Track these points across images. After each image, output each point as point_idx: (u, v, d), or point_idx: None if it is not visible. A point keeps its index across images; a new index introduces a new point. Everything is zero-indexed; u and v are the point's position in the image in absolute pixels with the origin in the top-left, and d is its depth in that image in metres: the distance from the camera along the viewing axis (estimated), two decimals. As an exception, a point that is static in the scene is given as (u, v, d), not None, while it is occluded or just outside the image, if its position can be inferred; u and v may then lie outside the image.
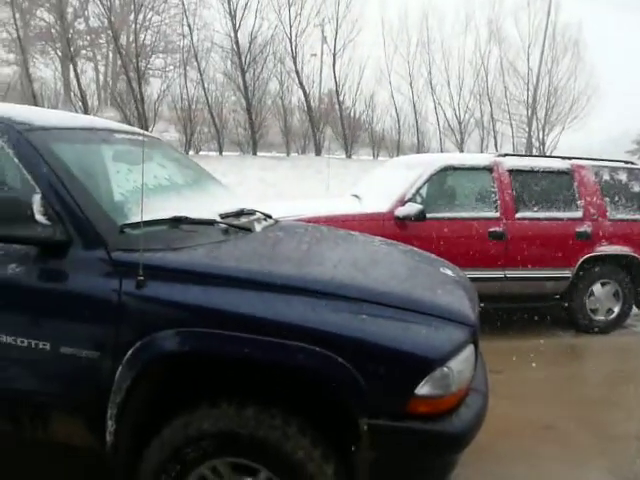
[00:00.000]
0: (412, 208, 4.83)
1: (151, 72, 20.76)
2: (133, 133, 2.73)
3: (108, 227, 1.93)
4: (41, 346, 1.83)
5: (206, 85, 18.87)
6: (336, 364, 1.67)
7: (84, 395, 1.84)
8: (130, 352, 1.76)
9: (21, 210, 1.83)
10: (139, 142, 2.67)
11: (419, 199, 5.07)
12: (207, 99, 18.69)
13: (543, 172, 5.32)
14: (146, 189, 2.21)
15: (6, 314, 1.89)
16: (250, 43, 19.38)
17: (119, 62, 20.51)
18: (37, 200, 1.88)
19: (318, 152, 20.47)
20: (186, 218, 2.14)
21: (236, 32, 19.09)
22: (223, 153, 18.52)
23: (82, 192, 1.97)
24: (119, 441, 1.82)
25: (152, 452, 1.82)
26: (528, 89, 23.37)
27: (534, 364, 4.27)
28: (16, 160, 1.98)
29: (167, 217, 2.09)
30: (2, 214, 1.78)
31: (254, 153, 18.83)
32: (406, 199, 4.94)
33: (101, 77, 23.89)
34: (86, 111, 16.85)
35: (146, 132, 3.08)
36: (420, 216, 4.79)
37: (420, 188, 5.08)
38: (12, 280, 1.88)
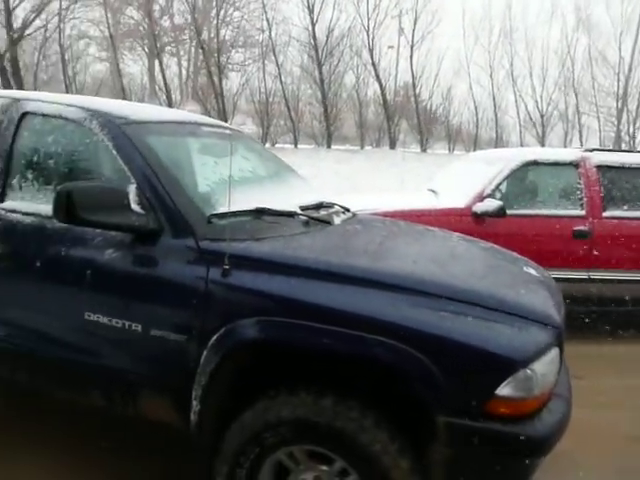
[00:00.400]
0: (491, 204, 4.70)
1: (230, 66, 21.34)
2: (218, 126, 2.83)
3: (197, 217, 2.01)
4: (133, 327, 1.95)
5: (283, 79, 19.16)
6: (415, 360, 1.67)
7: (171, 376, 1.95)
8: (215, 337, 1.83)
9: (119, 199, 1.95)
10: (224, 135, 2.77)
11: (498, 195, 4.92)
12: (284, 92, 18.98)
13: (635, 169, 5.00)
14: (232, 181, 2.30)
15: (103, 296, 2.03)
16: (327, 36, 19.49)
17: (201, 57, 21.24)
18: (132, 190, 2.01)
19: (392, 145, 20.29)
20: (269, 209, 2.20)
21: (314, 25, 19.26)
22: (298, 146, 18.75)
23: (173, 183, 2.08)
24: (203, 421, 1.91)
25: (233, 434, 1.89)
26: (619, 79, 21.99)
27: (619, 371, 4.04)
28: (114, 152, 2.12)
29: (251, 208, 2.15)
30: (102, 203, 1.90)
31: (328, 146, 18.94)
32: (485, 195, 4.81)
33: (183, 72, 24.81)
34: (170, 104, 17.59)
35: (230, 125, 3.18)
36: (500, 212, 4.65)
37: (500, 184, 4.93)
38: (109, 264, 2.01)
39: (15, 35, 14.35)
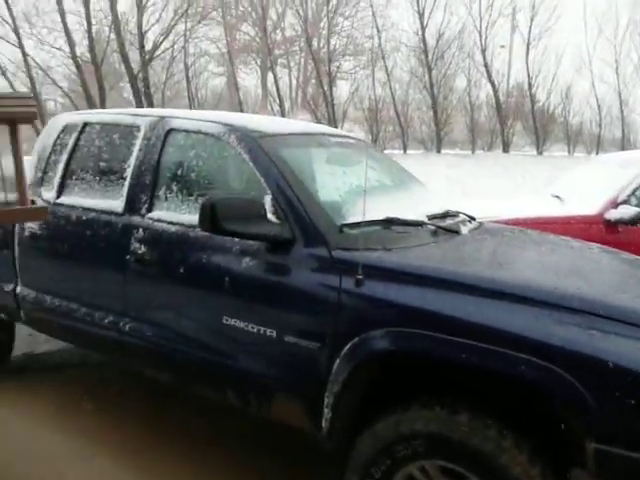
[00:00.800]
0: (627, 211, 4.33)
1: (339, 75, 21.66)
2: (343, 136, 2.88)
3: (329, 227, 2.05)
4: (268, 333, 2.03)
5: (392, 84, 19.10)
6: (562, 381, 1.56)
7: (304, 382, 1.99)
8: (347, 347, 1.84)
9: (256, 210, 2.04)
10: (349, 145, 2.82)
11: (634, 201, 4.53)
12: (393, 98, 18.89)
13: None
14: (359, 190, 2.32)
15: (240, 302, 2.13)
16: (437, 40, 19.13)
17: (310, 67, 21.79)
18: (268, 201, 2.09)
19: (506, 148, 19.46)
20: (398, 219, 2.19)
21: (424, 30, 18.97)
22: (407, 151, 18.57)
23: (306, 194, 2.14)
24: (334, 429, 1.93)
25: (364, 444, 1.88)
26: None
27: None
28: (251, 164, 2.22)
29: (381, 218, 2.15)
30: (242, 213, 1.99)
31: (438, 151, 18.56)
32: (619, 201, 4.45)
33: (293, 82, 25.60)
34: (283, 115, 18.20)
35: (354, 135, 3.22)
36: (637, 220, 4.27)
37: (637, 189, 4.53)
38: (245, 272, 2.11)
39: (147, 57, 15.66)
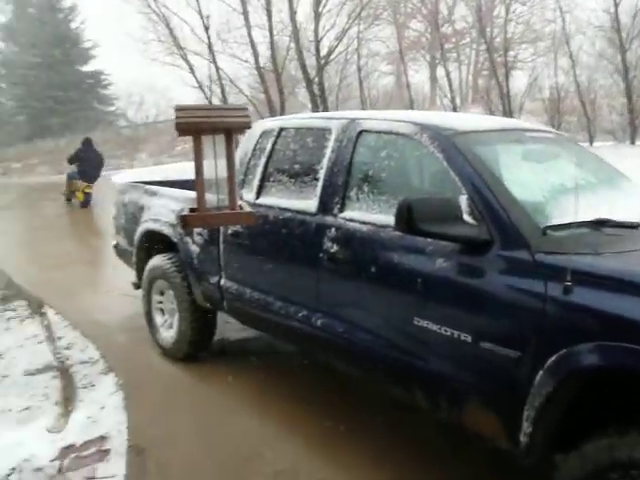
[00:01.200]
0: None
1: (515, 64, 20.44)
2: (539, 130, 2.69)
3: (530, 228, 1.93)
4: (462, 337, 1.97)
5: (576, 71, 17.47)
6: None
7: (500, 391, 1.90)
8: (553, 359, 1.71)
9: (452, 211, 1.98)
10: (546, 139, 2.63)
11: None
12: (577, 85, 17.27)
13: None
14: (562, 189, 2.15)
15: (432, 303, 2.10)
16: (634, 16, 17.01)
17: (481, 59, 20.86)
18: (464, 201, 2.02)
19: None
20: (610, 220, 1.98)
21: (617, 6, 17.01)
22: (594, 143, 16.86)
23: (504, 193, 2.03)
24: (533, 444, 1.81)
25: (570, 465, 1.73)
26: None
27: None
28: (445, 163, 2.17)
29: (590, 219, 1.97)
30: (437, 214, 1.96)
31: (632, 141, 16.52)
32: None
33: (463, 75, 24.81)
34: (454, 109, 17.71)
35: (551, 129, 2.99)
36: None
37: None
38: (439, 273, 2.07)
39: (322, 62, 16.40)
